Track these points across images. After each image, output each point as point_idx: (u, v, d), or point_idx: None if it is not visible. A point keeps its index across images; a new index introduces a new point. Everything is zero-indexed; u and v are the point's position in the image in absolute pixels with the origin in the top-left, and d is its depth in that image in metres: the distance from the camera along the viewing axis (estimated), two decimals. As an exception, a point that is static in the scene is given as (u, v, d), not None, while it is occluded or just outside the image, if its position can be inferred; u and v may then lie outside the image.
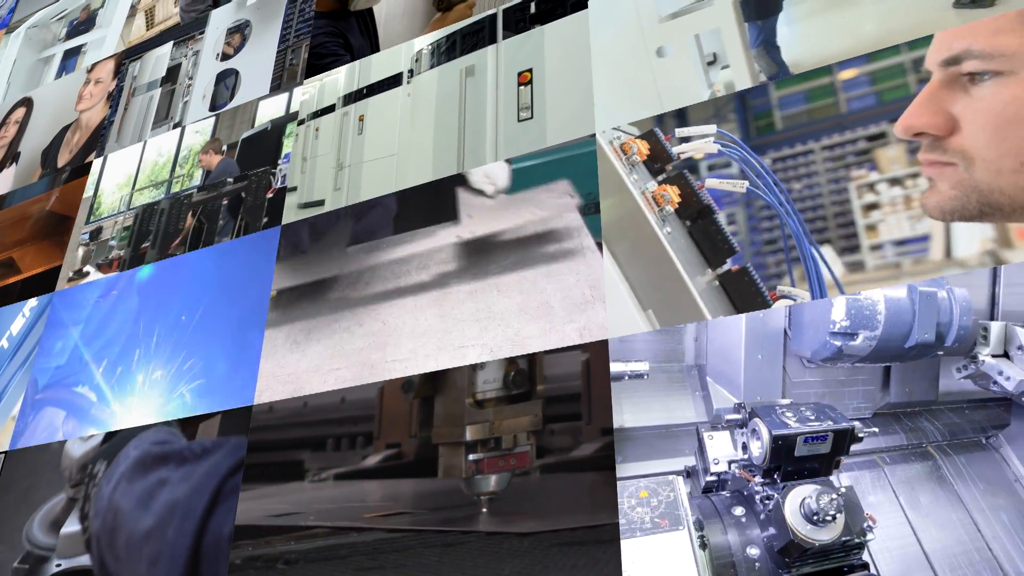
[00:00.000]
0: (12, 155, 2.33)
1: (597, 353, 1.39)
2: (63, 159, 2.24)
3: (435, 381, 1.51)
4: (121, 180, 2.07)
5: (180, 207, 2.00)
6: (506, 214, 1.60)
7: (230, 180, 1.95)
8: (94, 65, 2.33)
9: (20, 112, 2.45)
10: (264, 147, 1.91)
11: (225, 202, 1.93)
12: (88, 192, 2.08)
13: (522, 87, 1.65)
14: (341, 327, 1.65)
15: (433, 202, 1.67)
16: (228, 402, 1.67)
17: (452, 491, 1.39)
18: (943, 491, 1.14)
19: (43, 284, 1.99)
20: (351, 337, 1.63)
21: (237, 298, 1.80)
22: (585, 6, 1.65)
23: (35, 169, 2.30)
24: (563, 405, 1.37)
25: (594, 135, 1.55)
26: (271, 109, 1.94)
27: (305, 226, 1.77)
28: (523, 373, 1.44)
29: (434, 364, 1.51)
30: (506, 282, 1.53)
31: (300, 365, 1.63)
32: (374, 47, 1.87)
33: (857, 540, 1.17)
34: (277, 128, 1.91)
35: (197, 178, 2.01)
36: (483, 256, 1.59)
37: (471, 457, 1.42)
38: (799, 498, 1.21)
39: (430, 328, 1.56)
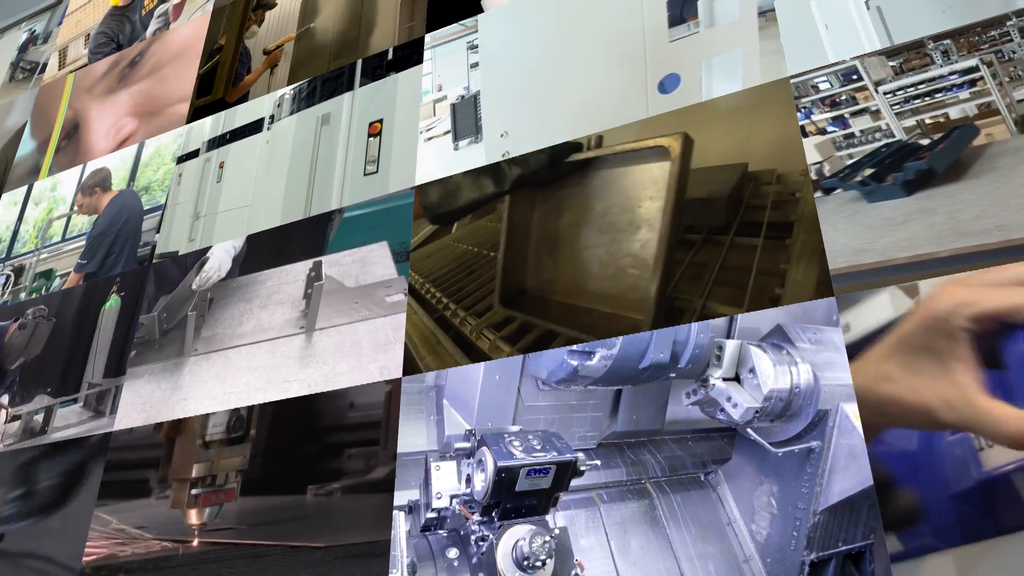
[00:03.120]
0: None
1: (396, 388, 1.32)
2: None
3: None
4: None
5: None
6: (337, 259, 1.57)
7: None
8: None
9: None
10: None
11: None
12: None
13: (371, 138, 1.61)
14: (191, 360, 1.65)
15: (278, 245, 1.65)
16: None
17: (265, 509, 1.40)
18: (655, 535, 0.94)
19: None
20: (198, 370, 1.63)
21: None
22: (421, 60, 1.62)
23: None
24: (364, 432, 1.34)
25: (413, 188, 1.50)
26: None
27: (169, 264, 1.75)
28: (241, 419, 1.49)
29: (262, 397, 1.50)
30: (329, 322, 1.51)
31: (155, 395, 1.64)
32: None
33: (562, 590, 0.97)
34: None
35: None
36: (313, 297, 1.55)
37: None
38: (512, 540, 1.02)
39: (263, 364, 1.55)
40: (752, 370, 0.95)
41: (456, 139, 1.50)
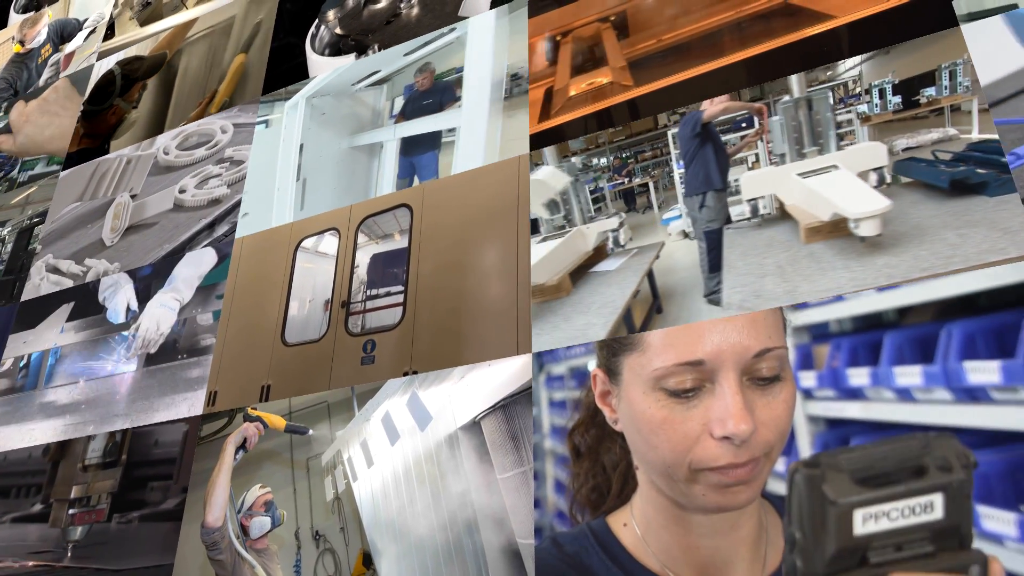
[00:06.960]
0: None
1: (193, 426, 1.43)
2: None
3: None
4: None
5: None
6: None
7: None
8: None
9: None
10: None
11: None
12: None
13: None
14: (41, 392, 1.72)
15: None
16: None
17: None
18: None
19: None
20: (47, 402, 1.69)
21: None
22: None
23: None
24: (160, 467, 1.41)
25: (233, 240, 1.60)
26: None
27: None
28: (116, 445, 1.52)
29: (92, 429, 1.57)
30: (159, 363, 1.59)
31: (10, 424, 1.71)
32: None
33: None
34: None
35: None
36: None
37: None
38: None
39: (99, 398, 1.62)
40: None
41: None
